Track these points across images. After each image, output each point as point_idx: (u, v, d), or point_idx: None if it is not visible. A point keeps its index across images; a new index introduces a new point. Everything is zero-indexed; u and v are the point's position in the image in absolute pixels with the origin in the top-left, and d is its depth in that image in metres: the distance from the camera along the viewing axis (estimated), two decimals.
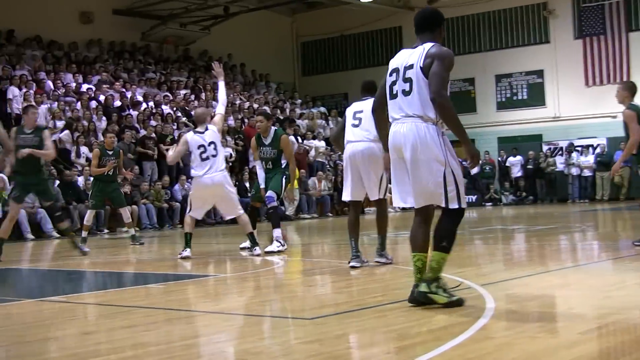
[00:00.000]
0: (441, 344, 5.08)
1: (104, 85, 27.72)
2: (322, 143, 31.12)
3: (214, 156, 11.91)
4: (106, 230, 21.56)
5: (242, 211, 12.23)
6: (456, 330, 5.41)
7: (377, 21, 36.86)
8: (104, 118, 25.51)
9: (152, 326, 6.38)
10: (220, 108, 12.60)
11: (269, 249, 12.35)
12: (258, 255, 11.95)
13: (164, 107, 28.12)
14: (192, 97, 30.31)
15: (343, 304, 7.17)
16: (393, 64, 6.68)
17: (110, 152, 16.35)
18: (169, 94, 29.61)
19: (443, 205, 6.38)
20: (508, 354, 4.82)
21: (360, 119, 9.82)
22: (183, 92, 30.30)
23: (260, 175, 12.64)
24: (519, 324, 5.78)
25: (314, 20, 38.30)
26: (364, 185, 9.80)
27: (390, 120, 6.66)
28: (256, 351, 5.22)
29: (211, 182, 11.89)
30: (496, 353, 4.84)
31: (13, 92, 24.34)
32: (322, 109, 34.86)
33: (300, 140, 29.80)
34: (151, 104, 28.07)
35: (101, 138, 24.49)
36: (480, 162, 32.85)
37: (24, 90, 24.57)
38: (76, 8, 30.92)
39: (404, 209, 10.27)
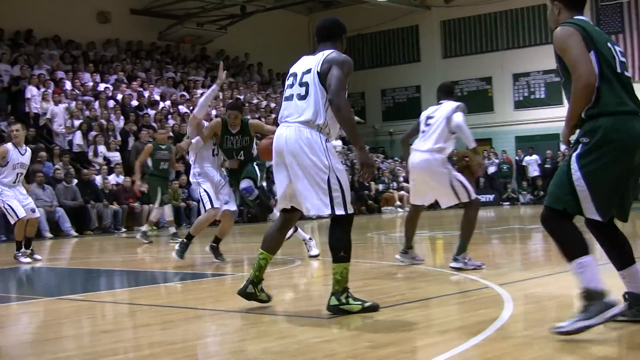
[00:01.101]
0: (459, 344, 5.07)
1: (122, 85, 27.82)
2: (339, 142, 31.09)
3: None
4: (124, 229, 21.60)
5: (203, 210, 11.30)
6: (474, 330, 5.40)
7: (393, 20, 36.84)
8: (121, 117, 25.60)
9: (169, 325, 6.39)
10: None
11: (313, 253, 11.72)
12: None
13: (181, 106, 28.19)
14: None
15: None
16: (292, 69, 6.66)
17: (164, 147, 16.59)
18: (185, 94, 29.67)
19: (329, 212, 6.29)
20: (526, 354, 4.80)
21: (429, 125, 9.61)
22: (200, 91, 30.33)
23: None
24: (538, 324, 5.76)
25: None
26: (428, 194, 9.73)
27: (278, 121, 6.64)
28: (275, 350, 5.21)
29: None
30: (514, 353, 4.82)
31: (31, 91, 24.46)
32: None
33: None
34: (168, 103, 28.14)
35: (119, 137, 24.62)
36: (497, 160, 32.94)
37: (42, 89, 24.68)
38: (94, 8, 31.04)
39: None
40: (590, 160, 5.06)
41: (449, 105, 9.58)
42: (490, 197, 32.41)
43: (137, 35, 32.30)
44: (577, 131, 5.24)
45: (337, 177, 6.27)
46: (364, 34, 38.12)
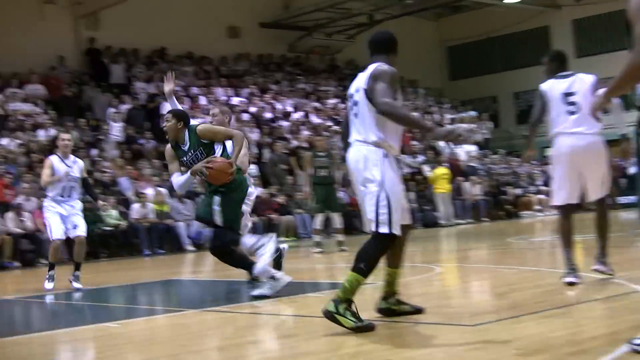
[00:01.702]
0: (610, 351, 4.93)
1: (255, 98, 28.24)
2: (473, 147, 30.83)
3: None
4: None
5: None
6: (623, 337, 5.22)
7: (523, 22, 36.28)
8: (256, 129, 25.97)
9: (313, 335, 6.41)
10: None
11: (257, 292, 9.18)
12: None
13: (313, 116, 28.40)
14: (342, 106, 30.49)
15: (504, 310, 7.05)
16: (350, 88, 6.69)
17: (323, 154, 15.95)
18: (318, 104, 29.88)
19: (373, 229, 6.27)
20: None
21: (575, 104, 8.34)
22: (332, 101, 30.51)
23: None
24: None
25: (459, 23, 38.00)
26: (583, 185, 8.40)
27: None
28: (421, 359, 5.19)
29: None
30: None
31: (166, 107, 25.02)
32: (473, 113, 34.53)
33: (451, 145, 29.69)
34: (301, 114, 28.40)
35: (255, 150, 24.94)
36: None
37: None
38: (224, 23, 31.56)
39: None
40: None
41: (584, 77, 8.55)
42: (632, 198, 31.48)
43: (267, 48, 32.74)
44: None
45: (387, 194, 6.24)
46: (493, 37, 37.65)
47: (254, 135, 25.68)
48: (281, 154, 24.65)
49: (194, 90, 27.25)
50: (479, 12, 36.59)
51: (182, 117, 9.27)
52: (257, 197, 19.67)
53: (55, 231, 11.61)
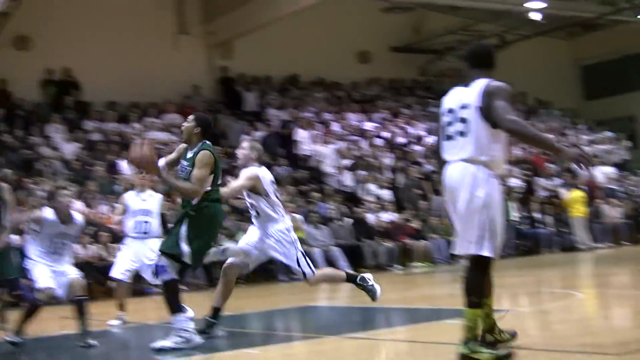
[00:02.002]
0: None
1: (388, 122, 28.27)
2: (611, 169, 30.07)
3: None
4: (399, 266, 21.72)
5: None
6: None
7: None
8: (389, 154, 25.98)
9: None
10: None
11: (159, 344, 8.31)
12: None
13: None
14: None
15: None
16: (448, 103, 6.41)
17: None
18: None
19: (475, 252, 6.04)
20: None
21: None
22: None
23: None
24: None
25: (592, 42, 37.18)
26: None
27: (445, 161, 6.39)
28: None
29: None
30: None
31: (300, 134, 25.35)
32: (609, 134, 33.73)
33: (584, 168, 29.04)
34: (434, 138, 28.27)
35: (390, 175, 24.94)
36: None
37: (310, 131, 25.52)
38: (354, 49, 31.70)
39: None
40: None
41: None
42: None
43: (398, 73, 32.68)
44: None
45: (492, 216, 6.05)
46: (629, 55, 36.70)
47: (388, 160, 25.69)
48: (415, 179, 24.56)
49: (326, 116, 27.49)
50: (613, 30, 35.72)
51: (203, 125, 8.60)
52: (392, 222, 19.67)
53: (116, 270, 11.28)
